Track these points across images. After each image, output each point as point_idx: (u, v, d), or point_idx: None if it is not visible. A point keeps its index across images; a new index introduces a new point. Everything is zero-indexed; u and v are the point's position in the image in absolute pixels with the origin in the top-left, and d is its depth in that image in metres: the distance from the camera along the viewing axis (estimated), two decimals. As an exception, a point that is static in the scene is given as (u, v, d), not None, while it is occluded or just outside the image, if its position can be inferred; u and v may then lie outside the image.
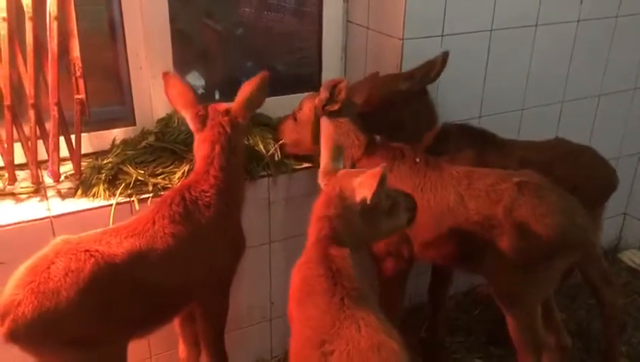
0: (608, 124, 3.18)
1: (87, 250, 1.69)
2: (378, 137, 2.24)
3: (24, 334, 1.61)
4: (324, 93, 2.19)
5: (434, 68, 2.35)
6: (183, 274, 1.91)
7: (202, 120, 2.03)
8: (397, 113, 2.37)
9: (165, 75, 2.11)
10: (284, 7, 2.88)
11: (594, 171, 2.43)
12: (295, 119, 2.35)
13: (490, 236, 1.99)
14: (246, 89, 2.10)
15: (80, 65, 2.01)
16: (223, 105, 2.08)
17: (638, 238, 3.56)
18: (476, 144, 2.37)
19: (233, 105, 2.08)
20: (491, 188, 1.99)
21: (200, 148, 2.04)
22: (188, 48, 2.67)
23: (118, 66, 2.46)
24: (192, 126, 2.07)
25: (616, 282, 2.59)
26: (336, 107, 2.17)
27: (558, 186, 2.04)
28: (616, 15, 2.94)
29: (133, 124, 2.49)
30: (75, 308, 1.63)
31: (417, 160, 2.11)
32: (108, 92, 2.55)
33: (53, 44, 1.97)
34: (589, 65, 3.00)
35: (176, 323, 2.20)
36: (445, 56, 2.33)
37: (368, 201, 1.67)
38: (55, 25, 1.96)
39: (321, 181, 1.83)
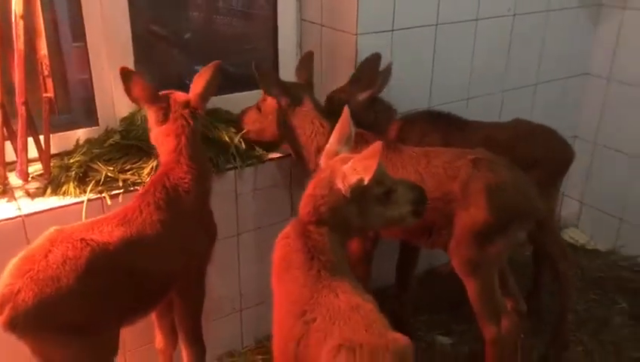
0: (545, 111, 3.39)
1: (83, 239, 1.73)
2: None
3: (24, 322, 1.63)
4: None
5: (388, 77, 2.47)
6: (169, 259, 1.97)
7: (165, 113, 2.05)
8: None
9: (123, 70, 2.01)
10: (241, 10, 2.99)
11: (551, 146, 2.60)
12: (259, 109, 2.45)
13: (449, 210, 2.12)
14: (201, 80, 2.11)
15: (48, 63, 2.03)
16: (182, 96, 2.09)
17: (576, 217, 3.82)
18: (441, 128, 2.51)
19: (191, 96, 2.09)
20: (448, 165, 2.13)
21: (164, 141, 2.05)
22: (144, 51, 2.71)
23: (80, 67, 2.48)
24: (152, 119, 2.07)
25: (571, 255, 2.78)
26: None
27: (514, 162, 2.18)
28: (548, 9, 3.18)
29: (96, 124, 2.51)
30: (74, 294, 1.67)
31: (378, 143, 2.23)
32: (68, 94, 2.56)
33: (19, 43, 1.98)
34: (525, 56, 3.21)
35: (153, 314, 2.23)
36: (390, 65, 2.46)
37: (365, 182, 1.64)
38: (21, 23, 1.97)
39: (322, 160, 1.86)
